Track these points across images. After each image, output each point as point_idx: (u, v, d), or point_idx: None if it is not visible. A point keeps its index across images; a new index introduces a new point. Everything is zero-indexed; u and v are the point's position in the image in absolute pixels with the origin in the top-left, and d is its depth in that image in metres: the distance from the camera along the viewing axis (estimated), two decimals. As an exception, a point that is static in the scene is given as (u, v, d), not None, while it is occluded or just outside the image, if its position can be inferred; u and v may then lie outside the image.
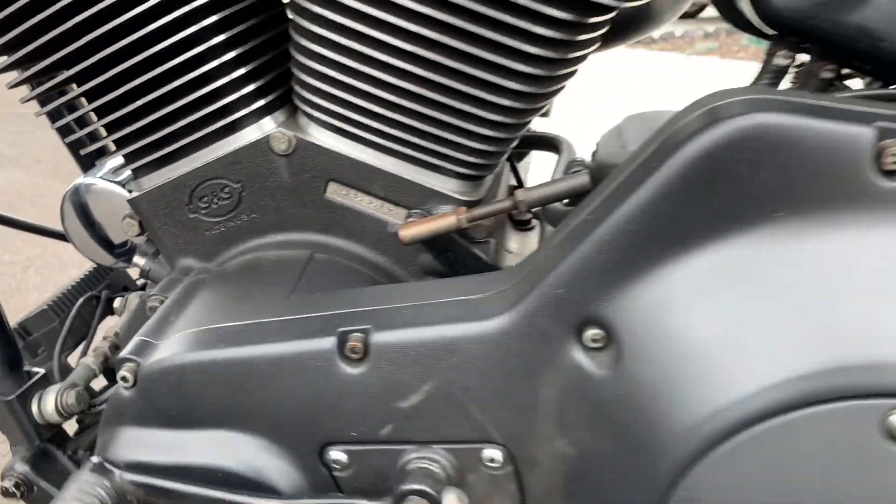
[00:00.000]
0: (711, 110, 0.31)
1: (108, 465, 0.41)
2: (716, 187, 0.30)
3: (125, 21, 0.42)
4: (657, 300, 0.32)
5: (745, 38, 5.92)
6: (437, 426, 0.38)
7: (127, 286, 0.72)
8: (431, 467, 0.38)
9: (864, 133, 0.29)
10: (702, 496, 0.31)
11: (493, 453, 0.38)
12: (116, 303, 0.62)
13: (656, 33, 5.35)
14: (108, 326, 0.59)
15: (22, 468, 0.52)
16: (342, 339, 0.38)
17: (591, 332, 0.34)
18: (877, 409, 0.28)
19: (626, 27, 0.63)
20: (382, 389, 0.38)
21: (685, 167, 0.31)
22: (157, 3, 0.42)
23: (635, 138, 0.41)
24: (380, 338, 0.38)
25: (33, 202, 2.18)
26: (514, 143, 0.51)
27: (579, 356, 0.35)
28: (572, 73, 0.47)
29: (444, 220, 0.44)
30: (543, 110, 0.56)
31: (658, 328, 0.32)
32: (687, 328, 0.32)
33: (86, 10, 0.43)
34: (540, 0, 0.39)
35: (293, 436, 0.40)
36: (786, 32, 0.39)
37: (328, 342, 0.38)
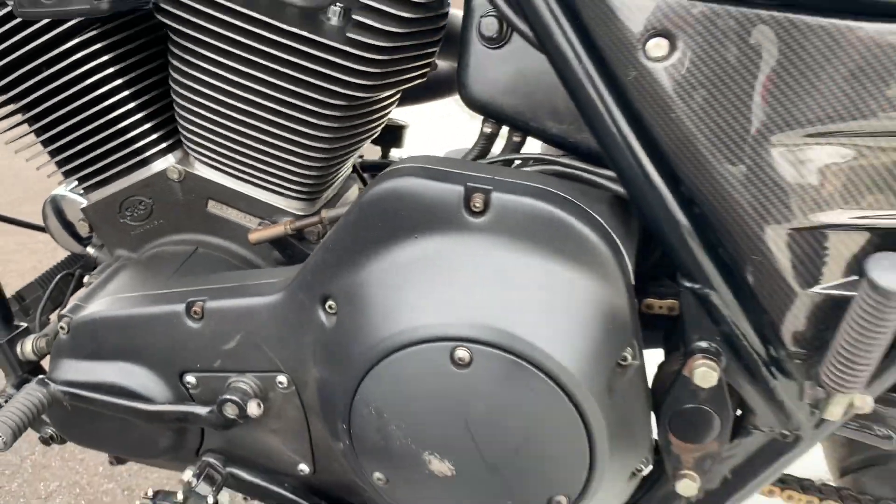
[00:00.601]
0: (382, 174, 0.53)
1: (48, 381, 0.64)
2: (376, 221, 0.52)
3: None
4: (358, 281, 0.54)
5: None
6: (246, 361, 0.60)
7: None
8: (244, 386, 0.61)
9: (457, 189, 0.50)
10: (369, 401, 0.53)
11: (282, 378, 0.60)
12: (86, 279, 0.86)
13: None
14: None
15: (10, 391, 0.76)
16: (189, 305, 0.60)
17: (329, 302, 0.56)
18: (447, 348, 0.49)
19: (438, 87, 0.84)
20: (213, 338, 0.60)
21: (360, 207, 0.52)
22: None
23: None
24: (211, 304, 0.60)
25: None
26: (341, 168, 0.73)
27: (322, 317, 0.56)
28: (369, 117, 0.68)
29: (276, 228, 0.66)
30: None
31: (359, 298, 0.54)
32: (371, 298, 0.53)
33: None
34: (328, 65, 0.60)
35: (162, 366, 0.63)
36: (481, 112, 0.59)
37: (180, 307, 0.61)
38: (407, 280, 0.51)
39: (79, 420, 0.68)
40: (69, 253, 0.89)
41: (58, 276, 0.85)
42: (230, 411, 0.59)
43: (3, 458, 1.33)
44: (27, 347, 0.75)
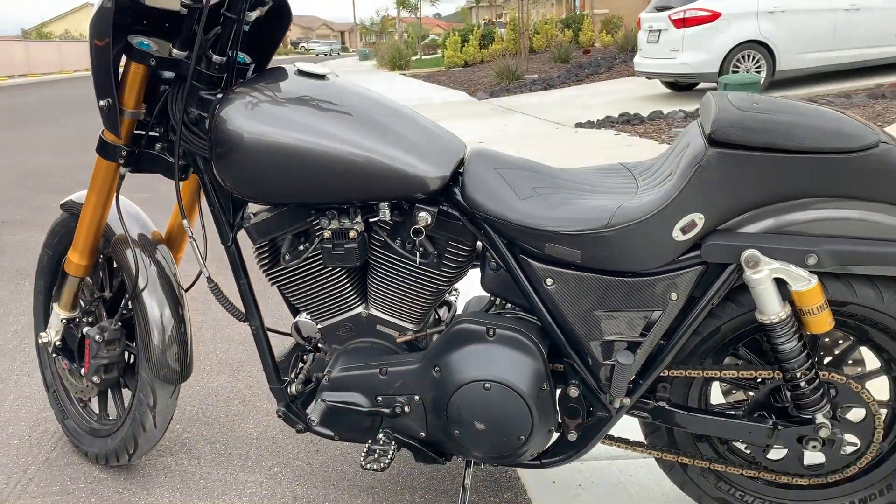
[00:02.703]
0: (454, 323, 1.50)
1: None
2: (451, 347, 1.50)
3: None
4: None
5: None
6: (401, 389, 1.57)
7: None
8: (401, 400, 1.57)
9: (482, 328, 1.48)
10: (455, 409, 1.49)
11: (417, 398, 1.56)
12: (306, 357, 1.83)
13: (645, 112, 6.68)
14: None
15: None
16: (382, 370, 1.57)
17: (436, 367, 1.53)
18: (481, 384, 1.46)
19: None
20: (395, 380, 1.57)
21: (445, 340, 1.50)
22: None
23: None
24: (392, 369, 1.57)
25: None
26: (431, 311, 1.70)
27: (433, 373, 1.53)
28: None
29: (409, 336, 1.64)
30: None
31: (444, 363, 1.51)
32: (448, 367, 1.50)
33: None
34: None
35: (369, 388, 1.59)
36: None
37: (376, 370, 1.58)
38: (462, 359, 1.48)
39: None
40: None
41: (295, 353, 1.80)
42: (399, 411, 1.55)
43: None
44: (293, 389, 1.71)
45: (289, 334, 1.79)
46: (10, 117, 11.73)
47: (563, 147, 6.58)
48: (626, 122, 7.70)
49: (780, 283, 1.37)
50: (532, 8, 23.89)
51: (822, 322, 1.37)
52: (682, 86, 10.08)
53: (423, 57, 30.53)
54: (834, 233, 1.34)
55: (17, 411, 2.29)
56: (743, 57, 8.86)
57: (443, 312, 1.76)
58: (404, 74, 20.76)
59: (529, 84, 13.33)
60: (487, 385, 1.47)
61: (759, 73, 8.85)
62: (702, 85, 9.75)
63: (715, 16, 8.85)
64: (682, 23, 9.01)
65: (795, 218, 1.35)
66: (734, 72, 8.81)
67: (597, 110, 8.81)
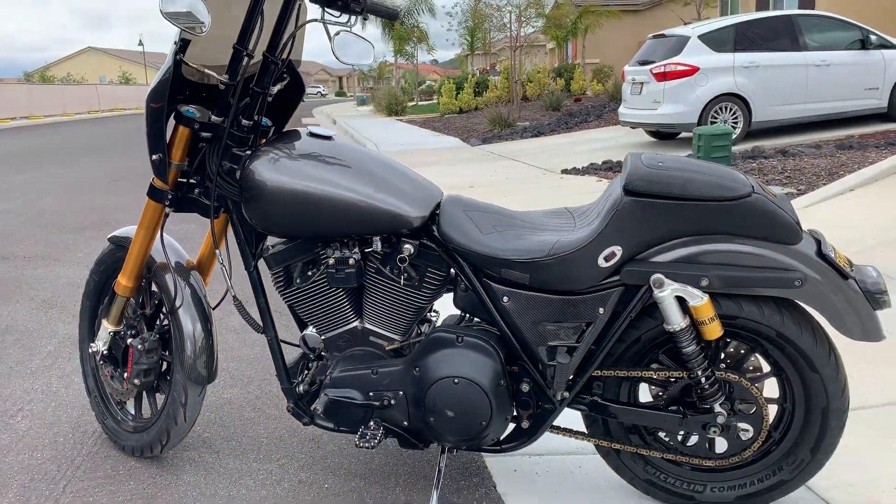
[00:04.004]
0: (434, 338, 1.90)
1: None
2: (428, 353, 1.90)
3: None
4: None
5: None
6: (387, 386, 1.96)
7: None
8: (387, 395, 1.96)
9: (453, 336, 1.88)
10: (431, 400, 1.88)
11: (401, 394, 1.95)
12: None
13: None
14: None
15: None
16: (373, 371, 1.97)
17: (416, 368, 1.92)
18: (450, 380, 1.85)
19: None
20: (391, 378, 1.96)
21: (423, 345, 1.90)
22: None
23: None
24: (383, 370, 1.96)
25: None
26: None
27: (414, 372, 1.92)
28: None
29: (396, 345, 2.03)
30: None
31: (424, 368, 1.90)
32: (429, 369, 1.90)
33: None
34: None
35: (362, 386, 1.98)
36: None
37: (369, 370, 1.97)
38: (437, 360, 1.88)
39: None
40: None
41: (302, 361, 2.19)
42: (386, 403, 1.94)
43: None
44: (300, 389, 2.10)
45: (297, 345, 2.18)
46: (17, 160, 12.19)
47: (547, 192, 7.03)
48: (609, 170, 8.17)
49: (681, 301, 1.77)
50: (525, 57, 24.71)
51: (713, 330, 1.78)
52: (664, 135, 10.61)
53: (420, 103, 31.30)
54: (721, 262, 1.75)
55: (60, 416, 2.67)
56: (720, 108, 9.39)
57: (425, 328, 2.16)
58: (400, 120, 21.40)
59: (521, 131, 13.89)
60: (456, 381, 1.86)
61: (736, 124, 9.39)
62: (683, 134, 10.28)
63: (693, 70, 9.41)
64: (662, 76, 9.56)
65: (691, 251, 1.77)
66: (712, 122, 9.35)
67: (583, 157, 9.31)
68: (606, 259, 1.78)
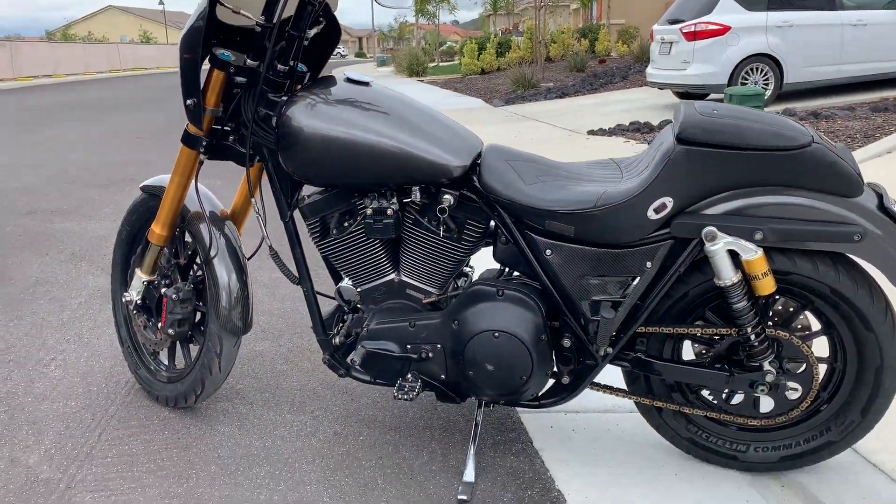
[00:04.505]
0: (475, 286, 1.85)
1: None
2: (465, 306, 1.85)
3: None
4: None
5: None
6: (425, 339, 1.92)
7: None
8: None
9: (493, 289, 1.83)
10: (471, 353, 1.84)
11: (439, 347, 1.91)
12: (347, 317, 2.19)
13: (655, 121, 6.99)
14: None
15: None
16: (410, 323, 1.93)
17: (455, 321, 1.88)
18: (490, 334, 1.81)
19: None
20: (419, 331, 1.93)
21: (462, 297, 1.86)
22: None
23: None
24: (420, 322, 1.93)
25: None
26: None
27: (453, 326, 1.88)
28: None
29: (434, 298, 1.99)
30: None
31: (463, 321, 1.86)
32: (468, 320, 1.86)
33: None
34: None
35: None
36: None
37: (406, 322, 1.93)
38: (477, 313, 1.83)
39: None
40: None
41: (336, 313, 2.16)
42: (424, 356, 1.90)
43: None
44: (336, 341, 2.07)
45: (332, 297, 2.14)
46: (42, 117, 12.21)
47: (573, 153, 6.93)
48: (636, 131, 8.03)
49: (733, 255, 1.71)
50: (549, 18, 24.26)
51: (766, 286, 1.71)
52: (692, 96, 10.40)
53: (441, 64, 30.96)
54: (776, 215, 1.69)
55: (93, 366, 2.67)
56: (751, 70, 9.17)
57: (461, 282, 2.11)
58: (421, 81, 21.19)
59: (545, 92, 13.69)
60: (497, 334, 1.82)
61: (766, 85, 9.18)
62: (712, 96, 10.07)
63: (725, 29, 9.17)
64: (692, 36, 9.34)
65: (745, 203, 1.70)
66: (743, 83, 9.14)
67: (608, 118, 9.16)
68: (656, 211, 1.72)
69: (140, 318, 2.33)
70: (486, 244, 1.99)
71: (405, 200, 1.91)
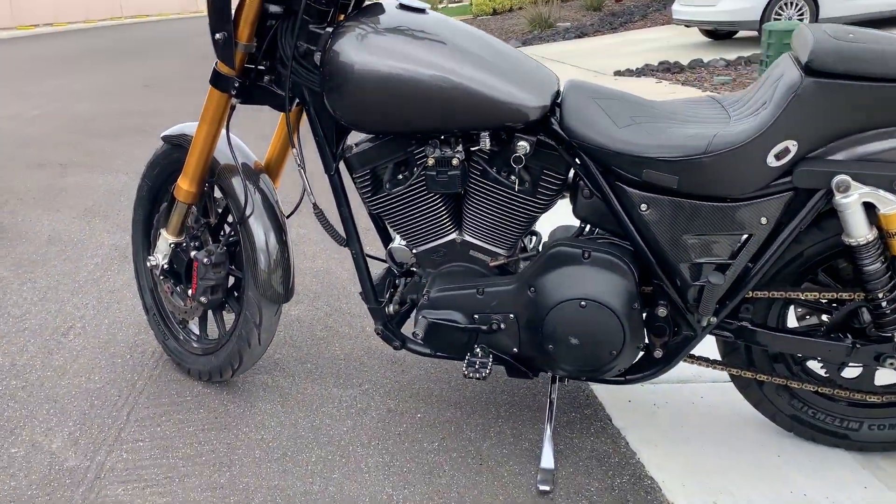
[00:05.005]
0: (552, 248, 1.60)
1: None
2: (547, 266, 1.60)
3: None
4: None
5: (756, 72, 7.00)
6: (497, 306, 1.68)
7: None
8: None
9: (578, 251, 1.58)
10: (554, 322, 1.60)
11: (511, 315, 1.67)
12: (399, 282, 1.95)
13: (685, 60, 6.64)
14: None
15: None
16: (477, 290, 1.68)
17: (532, 287, 1.63)
18: (576, 302, 1.56)
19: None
20: (492, 299, 1.68)
21: (545, 259, 1.60)
22: None
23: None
24: (490, 289, 1.68)
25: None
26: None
27: (528, 293, 1.64)
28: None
29: (501, 260, 1.74)
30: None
31: (541, 287, 1.61)
32: (547, 286, 1.61)
33: None
34: None
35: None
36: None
37: (474, 290, 1.69)
38: (558, 279, 1.59)
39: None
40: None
41: (388, 277, 1.92)
42: (495, 327, 1.66)
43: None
44: (390, 309, 1.83)
45: (383, 260, 1.89)
46: (47, 65, 11.84)
47: (604, 94, 6.57)
48: (667, 71, 7.65)
49: (868, 208, 1.45)
50: (563, -46, 23.40)
51: (906, 244, 1.45)
52: (720, 34, 9.93)
53: (450, 5, 30.10)
54: (922, 160, 1.41)
55: (115, 334, 2.45)
56: (785, 4, 8.70)
57: (530, 242, 1.86)
58: (433, 23, 20.53)
59: (563, 32, 13.18)
60: (583, 303, 1.57)
61: (801, 20, 8.71)
62: (741, 33, 9.61)
63: (757, -39, 8.67)
64: (723, -32, 8.84)
65: (884, 146, 1.43)
66: (776, 19, 8.68)
67: (635, 58, 8.74)
68: (778, 157, 1.45)
69: (167, 283, 2.10)
70: (562, 197, 1.73)
71: (472, 149, 1.64)
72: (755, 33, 8.99)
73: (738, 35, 9.83)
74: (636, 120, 1.57)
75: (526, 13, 15.04)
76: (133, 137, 5.81)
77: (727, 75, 7.03)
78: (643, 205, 1.55)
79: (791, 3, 8.77)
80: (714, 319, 1.61)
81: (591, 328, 1.58)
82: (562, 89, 1.65)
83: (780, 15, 8.76)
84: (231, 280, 2.04)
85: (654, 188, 1.54)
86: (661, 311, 1.63)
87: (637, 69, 7.94)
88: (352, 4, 1.76)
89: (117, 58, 12.91)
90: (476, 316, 1.70)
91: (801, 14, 8.80)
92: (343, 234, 1.82)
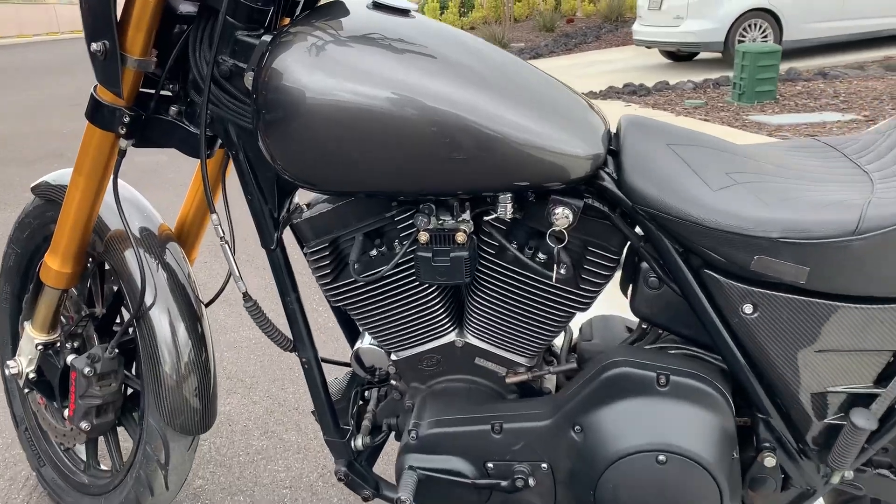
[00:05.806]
0: (605, 365, 1.06)
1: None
2: (603, 390, 1.06)
3: None
4: (593, 418, 1.07)
5: (728, 95, 6.65)
6: (526, 454, 1.13)
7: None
8: (523, 468, 1.13)
9: (651, 374, 1.04)
10: (610, 484, 1.06)
11: (545, 465, 1.12)
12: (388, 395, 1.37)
13: (649, 83, 6.14)
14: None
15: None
16: (492, 426, 1.13)
17: (576, 427, 1.09)
18: (652, 455, 1.02)
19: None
20: (508, 443, 1.13)
21: (599, 383, 1.06)
22: None
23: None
24: (508, 426, 1.12)
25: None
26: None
27: (573, 435, 1.09)
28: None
29: (524, 376, 1.19)
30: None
31: (594, 428, 1.07)
32: (601, 428, 1.07)
33: None
34: None
35: (475, 457, 1.15)
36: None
37: (487, 427, 1.13)
38: (622, 418, 1.04)
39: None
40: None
41: (354, 389, 1.35)
42: (520, 483, 1.11)
43: None
44: (359, 442, 1.27)
45: (347, 364, 1.33)
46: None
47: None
48: (633, 94, 7.25)
49: None
50: (512, -25, 23.24)
51: None
52: (681, 56, 9.66)
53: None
54: None
55: (-22, 447, 1.81)
56: (749, 26, 8.44)
57: (557, 341, 1.31)
58: (382, 42, 20.09)
59: (517, 53, 12.82)
60: (662, 457, 1.03)
61: (765, 41, 8.46)
62: (702, 55, 9.35)
63: (721, -19, 8.41)
64: (686, -12, 8.56)
65: None
66: (740, 41, 8.40)
67: (596, 80, 8.35)
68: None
69: (38, 396, 1.49)
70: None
71: (485, 218, 1.10)
72: (718, 55, 8.72)
73: (698, 56, 9.56)
74: (737, 178, 1.04)
75: (478, 33, 14.65)
76: (49, 163, 5.12)
77: (698, 98, 6.67)
78: (748, 305, 1.02)
79: (755, 25, 8.52)
80: (850, 474, 1.08)
81: (672, 493, 1.04)
82: (616, 129, 1.12)
83: (744, 36, 8.51)
84: (129, 389, 1.44)
85: (765, 281, 1.01)
86: (769, 461, 1.10)
87: (601, 91, 7.54)
88: (300, 6, 1.20)
89: (47, 75, 12.04)
90: (489, 465, 1.14)
91: (766, 36, 8.55)
92: (290, 335, 1.25)
